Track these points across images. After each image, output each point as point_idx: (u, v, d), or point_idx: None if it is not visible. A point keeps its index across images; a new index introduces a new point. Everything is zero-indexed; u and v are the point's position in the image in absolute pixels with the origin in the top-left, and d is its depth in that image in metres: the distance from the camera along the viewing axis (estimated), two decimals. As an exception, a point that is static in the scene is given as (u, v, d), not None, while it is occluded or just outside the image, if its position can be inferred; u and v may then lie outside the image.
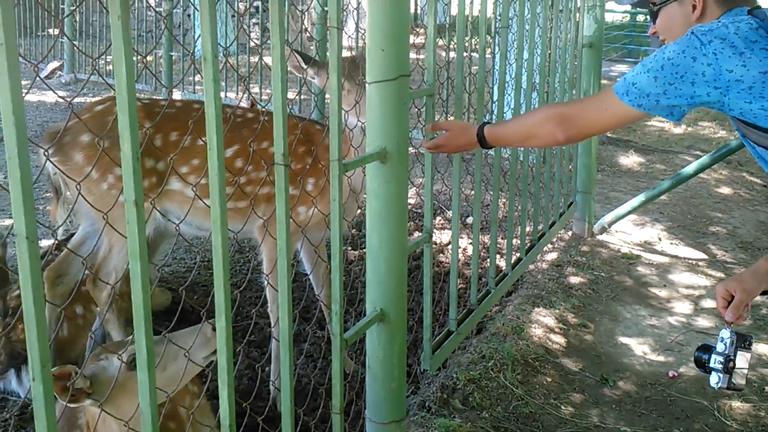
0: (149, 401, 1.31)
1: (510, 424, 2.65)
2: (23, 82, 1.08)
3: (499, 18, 2.93)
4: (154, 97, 6.92)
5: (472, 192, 2.93)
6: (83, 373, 1.59)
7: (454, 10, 2.51)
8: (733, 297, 1.77)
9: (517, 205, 3.54)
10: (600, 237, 4.57)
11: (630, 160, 6.47)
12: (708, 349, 1.76)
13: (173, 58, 7.14)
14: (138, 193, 1.24)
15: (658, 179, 5.77)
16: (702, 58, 1.56)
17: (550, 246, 4.28)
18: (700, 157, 4.99)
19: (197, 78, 6.90)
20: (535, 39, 3.39)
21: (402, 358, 2.12)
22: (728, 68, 1.54)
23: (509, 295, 3.69)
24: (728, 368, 1.72)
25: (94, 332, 1.88)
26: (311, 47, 7.46)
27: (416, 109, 2.54)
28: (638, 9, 2.05)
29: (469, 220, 4.36)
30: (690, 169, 4.30)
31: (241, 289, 2.07)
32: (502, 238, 3.57)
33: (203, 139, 1.47)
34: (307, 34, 9.43)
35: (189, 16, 8.41)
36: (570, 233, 4.57)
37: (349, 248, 4.08)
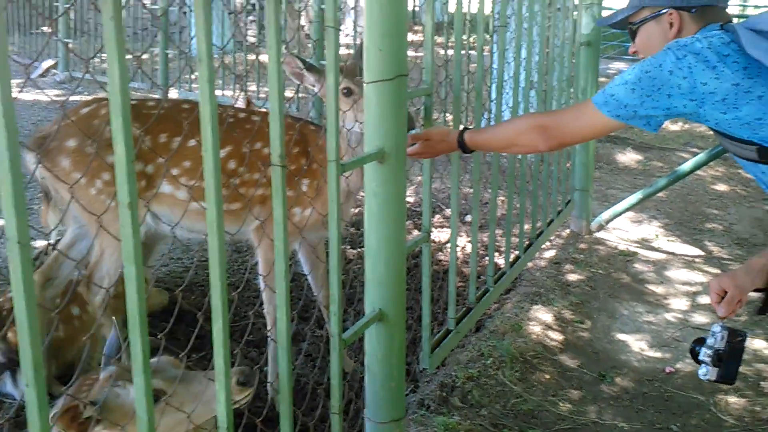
0: (146, 407, 1.30)
1: (508, 422, 2.65)
2: (17, 81, 1.07)
3: (497, 16, 2.92)
4: (149, 95, 6.92)
5: (471, 190, 2.93)
6: (92, 399, 1.58)
7: (452, 8, 2.49)
8: (726, 292, 1.80)
9: (515, 203, 3.54)
10: (598, 234, 4.57)
11: (627, 157, 6.47)
12: (702, 341, 1.80)
13: (169, 56, 7.13)
14: (132, 195, 1.23)
15: (655, 176, 5.77)
16: (678, 72, 1.62)
17: (548, 243, 4.28)
18: (697, 154, 5.00)
19: (193, 76, 6.89)
20: (533, 37, 3.38)
21: (401, 358, 2.11)
22: (702, 81, 1.60)
23: (508, 293, 3.68)
24: (717, 361, 1.75)
25: (105, 347, 1.85)
26: (308, 44, 7.46)
27: (415, 108, 2.53)
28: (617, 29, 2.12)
29: (468, 218, 4.36)
30: (686, 166, 4.30)
31: (239, 289, 2.07)
32: (501, 236, 3.57)
33: (197, 139, 1.46)
34: (305, 32, 9.42)
35: (185, 13, 8.38)
36: (568, 231, 4.57)
37: (348, 247, 4.07)
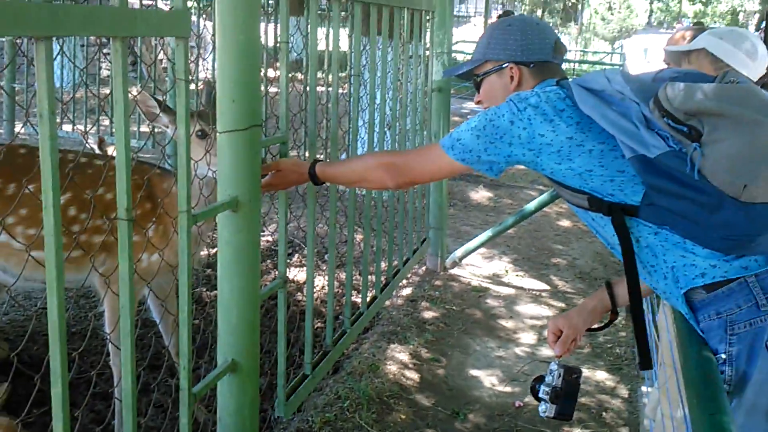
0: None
1: (365, 465, 2.68)
2: None
3: (351, 65, 3.01)
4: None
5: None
6: None
7: (318, 46, 2.57)
8: (562, 332, 1.97)
9: (372, 243, 3.62)
10: (452, 271, 4.74)
11: (480, 195, 6.78)
12: (541, 379, 1.92)
13: (16, 89, 6.75)
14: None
15: (506, 213, 6.08)
16: (518, 123, 1.71)
17: (405, 281, 4.40)
18: (543, 192, 5.32)
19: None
20: (387, 84, 3.50)
21: (254, 409, 2.10)
22: (540, 133, 1.69)
23: (366, 332, 3.74)
24: (554, 398, 1.87)
25: None
26: (166, 78, 7.29)
27: (271, 156, 2.55)
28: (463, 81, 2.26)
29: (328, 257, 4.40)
30: (531, 206, 4.57)
31: (87, 337, 1.99)
32: (359, 275, 3.64)
33: (34, 186, 1.41)
34: (162, 65, 9.20)
35: (33, 43, 7.95)
36: (424, 268, 4.71)
37: (205, 289, 4.00)
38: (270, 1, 6.26)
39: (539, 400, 1.93)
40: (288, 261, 4.49)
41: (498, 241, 5.24)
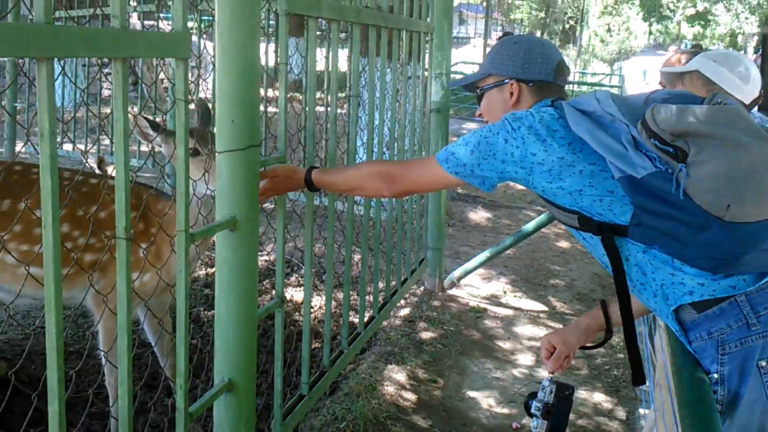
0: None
1: (362, 486, 2.67)
2: None
3: (349, 86, 3.04)
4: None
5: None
6: None
7: (318, 66, 2.61)
8: (555, 348, 2.01)
9: (370, 263, 3.63)
10: (450, 291, 4.75)
11: (478, 215, 6.79)
12: (534, 395, 1.94)
13: (17, 108, 6.79)
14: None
15: (504, 233, 6.10)
16: (512, 141, 1.75)
17: (402, 302, 4.40)
18: (541, 212, 5.33)
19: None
20: (385, 105, 3.53)
21: (250, 429, 2.10)
22: (533, 152, 1.73)
23: (363, 353, 3.74)
24: (545, 414, 1.88)
25: None
26: (167, 98, 7.34)
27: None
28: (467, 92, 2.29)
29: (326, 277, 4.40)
30: (529, 227, 4.58)
31: (84, 356, 1.99)
32: (357, 294, 3.64)
33: (27, 202, 1.43)
34: (163, 84, 9.27)
35: (35, 64, 8.01)
36: (422, 288, 4.72)
37: (203, 309, 4.00)
38: (270, 22, 6.32)
39: (531, 416, 1.94)
40: (286, 281, 4.50)
41: (496, 261, 5.25)
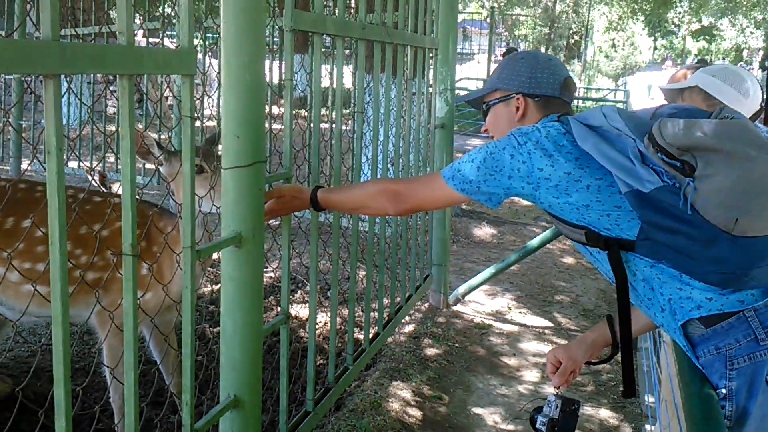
0: None
1: (367, 503, 2.65)
2: None
3: (354, 102, 3.05)
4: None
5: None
6: None
7: (323, 83, 2.63)
8: (561, 363, 2.00)
9: (374, 279, 3.62)
10: (455, 308, 4.74)
11: (483, 231, 6.79)
12: (540, 410, 1.93)
13: (23, 126, 6.84)
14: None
15: (509, 250, 6.09)
16: (518, 156, 1.74)
17: (407, 318, 4.39)
18: (546, 228, 5.33)
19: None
20: (390, 121, 3.54)
21: (256, 446, 2.09)
22: (539, 167, 1.72)
23: (368, 369, 3.73)
24: (551, 429, 1.87)
25: None
26: (172, 116, 7.37)
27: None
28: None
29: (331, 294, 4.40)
30: (534, 242, 4.57)
31: (90, 373, 1.99)
32: (362, 311, 3.63)
33: (32, 220, 1.42)
34: (168, 102, 9.31)
35: (41, 81, 8.06)
36: (427, 305, 4.70)
37: (208, 326, 4.00)
38: (275, 39, 6.36)
39: (537, 430, 1.93)
40: (291, 297, 4.49)
41: (501, 277, 5.24)
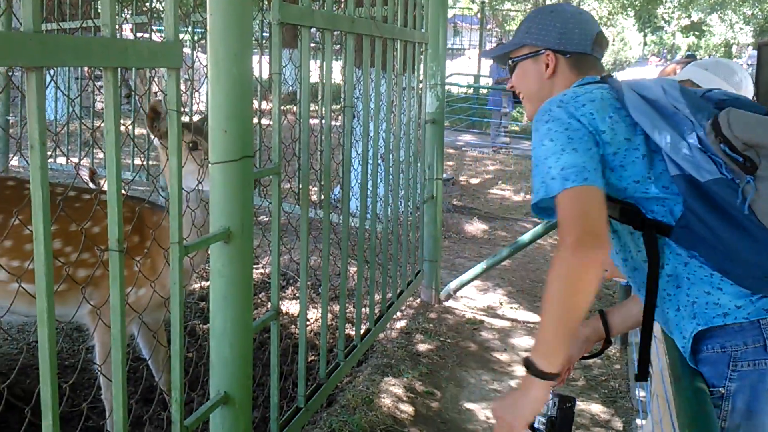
0: None
1: (359, 500, 2.64)
2: None
3: (344, 97, 3.03)
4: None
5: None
6: None
7: (312, 78, 2.61)
8: None
9: (366, 275, 3.61)
10: (446, 303, 4.72)
11: (474, 227, 6.78)
12: None
13: (10, 122, 6.78)
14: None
15: (500, 245, 6.08)
16: (583, 119, 1.56)
17: (399, 314, 4.38)
18: (537, 224, 5.32)
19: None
20: (380, 116, 3.52)
21: (246, 442, 2.08)
22: (602, 129, 1.57)
23: (360, 365, 3.71)
24: (550, 428, 1.84)
25: None
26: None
27: (263, 187, 2.55)
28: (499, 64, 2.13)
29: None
30: (525, 237, 4.57)
31: (78, 370, 1.97)
32: (353, 307, 3.62)
33: (18, 217, 1.40)
34: (157, 98, 9.25)
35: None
36: (418, 300, 4.69)
37: (199, 323, 3.97)
38: (264, 34, 6.33)
39: (534, 430, 1.91)
40: (282, 294, 4.47)
41: (492, 273, 5.23)
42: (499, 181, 9.32)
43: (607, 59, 38.04)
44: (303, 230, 2.65)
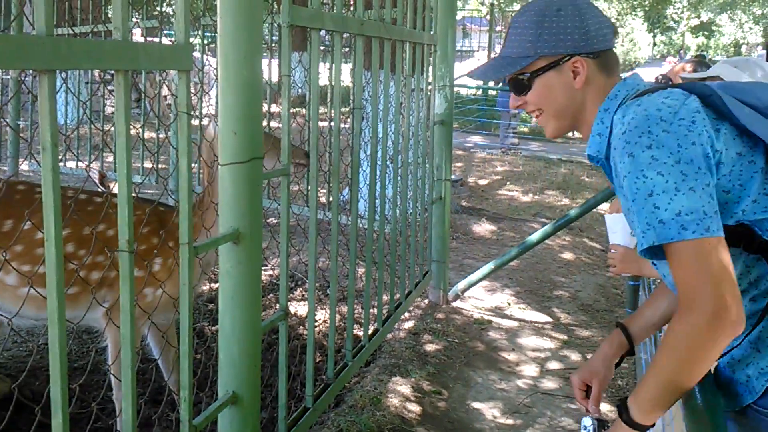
0: None
1: (367, 499, 2.65)
2: None
3: (353, 99, 3.04)
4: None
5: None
6: None
7: (321, 81, 2.63)
8: (587, 386, 1.75)
9: (374, 276, 3.62)
10: (454, 304, 4.73)
11: (482, 228, 6.78)
12: None
13: (20, 126, 6.83)
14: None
15: (508, 246, 6.08)
16: (698, 139, 1.30)
17: (407, 314, 4.39)
18: (545, 224, 5.32)
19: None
20: (389, 118, 3.54)
21: (255, 442, 2.09)
22: (718, 148, 1.34)
23: (367, 365, 3.73)
24: None
25: None
26: (170, 115, 7.37)
27: (272, 189, 2.57)
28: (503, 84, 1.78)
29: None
30: (534, 237, 4.57)
31: (87, 371, 1.99)
32: (361, 307, 3.63)
33: (31, 222, 1.42)
34: (167, 101, 9.31)
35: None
36: (426, 301, 4.70)
37: (207, 324, 3.99)
38: (274, 37, 6.35)
39: None
40: (290, 295, 4.49)
41: (500, 273, 5.23)
42: (508, 182, 9.31)
43: (616, 60, 37.95)
44: (312, 231, 2.66)
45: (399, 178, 3.84)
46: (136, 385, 1.65)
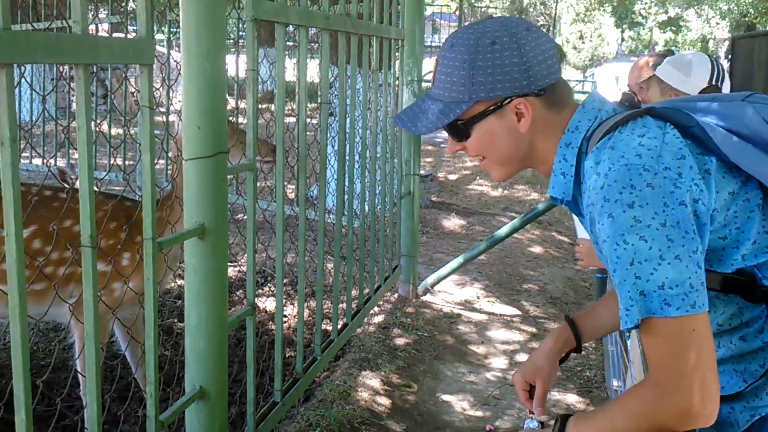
0: None
1: (337, 492, 2.67)
2: None
3: (320, 94, 3.05)
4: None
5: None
6: None
7: (287, 76, 2.61)
8: (531, 385, 1.60)
9: (342, 270, 3.63)
10: (424, 298, 4.76)
11: (452, 222, 6.83)
12: None
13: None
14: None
15: (477, 240, 6.13)
16: (686, 193, 1.17)
17: (377, 309, 4.40)
18: (514, 218, 5.37)
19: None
20: (356, 113, 3.55)
21: (222, 436, 2.10)
22: (712, 199, 1.21)
23: (337, 360, 3.74)
24: None
25: None
26: (137, 110, 7.30)
27: (238, 183, 2.57)
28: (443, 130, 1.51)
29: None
30: (503, 231, 4.61)
31: (54, 368, 1.98)
32: (330, 302, 3.64)
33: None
34: (134, 98, 9.21)
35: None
36: (396, 295, 4.72)
37: (175, 320, 3.98)
38: (241, 33, 6.32)
39: None
40: (259, 291, 4.49)
41: (470, 267, 5.27)
42: (477, 177, 9.37)
43: (584, 56, 38.45)
44: (278, 227, 2.66)
45: (367, 173, 3.85)
46: (101, 381, 1.65)
